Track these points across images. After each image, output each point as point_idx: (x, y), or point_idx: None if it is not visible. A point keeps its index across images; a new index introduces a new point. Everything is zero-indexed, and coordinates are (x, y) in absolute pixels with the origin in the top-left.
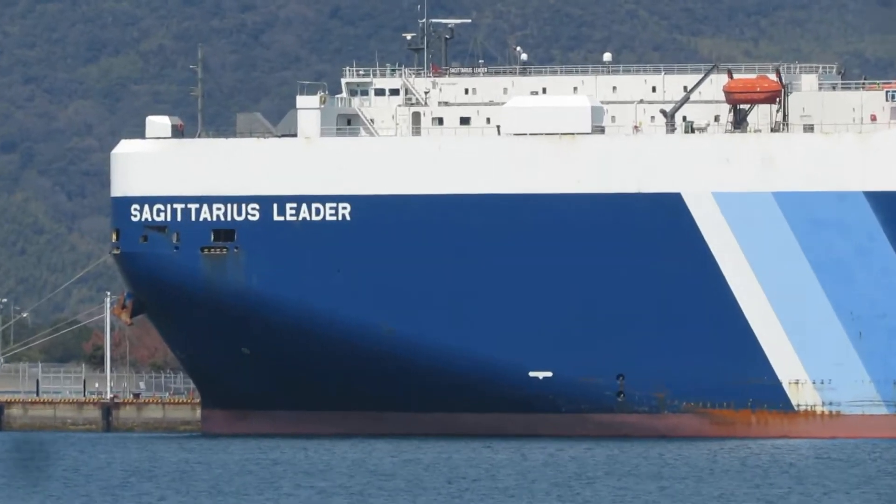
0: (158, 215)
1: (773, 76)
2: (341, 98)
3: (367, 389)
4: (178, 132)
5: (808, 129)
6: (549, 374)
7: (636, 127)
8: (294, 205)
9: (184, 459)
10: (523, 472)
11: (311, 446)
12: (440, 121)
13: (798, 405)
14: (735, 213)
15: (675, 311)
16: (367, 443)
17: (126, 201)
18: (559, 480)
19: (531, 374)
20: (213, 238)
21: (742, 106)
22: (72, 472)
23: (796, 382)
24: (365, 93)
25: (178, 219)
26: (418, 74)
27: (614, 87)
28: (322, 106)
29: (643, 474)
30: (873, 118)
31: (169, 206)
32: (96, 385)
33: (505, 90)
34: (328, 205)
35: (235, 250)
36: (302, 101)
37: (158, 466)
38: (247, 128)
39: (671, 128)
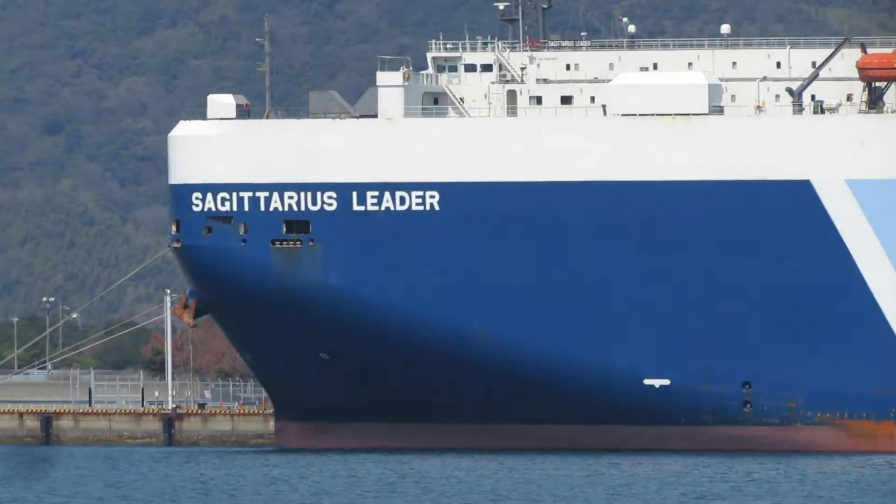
0: (223, 204)
1: None
2: (427, 74)
3: (459, 399)
4: (243, 112)
5: None
6: (667, 381)
7: (759, 107)
8: (375, 193)
9: (267, 477)
10: (648, 493)
11: (406, 461)
12: (538, 100)
13: None
14: (871, 203)
15: (807, 311)
16: (470, 458)
17: (186, 189)
18: (688, 501)
19: (646, 381)
20: (285, 230)
21: (877, 84)
22: (136, 490)
23: None
24: (454, 69)
25: (246, 208)
26: (513, 48)
27: (734, 63)
28: (406, 83)
29: (784, 491)
30: None
31: (235, 194)
32: (156, 394)
33: (611, 66)
34: (414, 193)
35: (311, 243)
36: (383, 77)
37: (235, 485)
38: (321, 107)
39: (798, 108)
